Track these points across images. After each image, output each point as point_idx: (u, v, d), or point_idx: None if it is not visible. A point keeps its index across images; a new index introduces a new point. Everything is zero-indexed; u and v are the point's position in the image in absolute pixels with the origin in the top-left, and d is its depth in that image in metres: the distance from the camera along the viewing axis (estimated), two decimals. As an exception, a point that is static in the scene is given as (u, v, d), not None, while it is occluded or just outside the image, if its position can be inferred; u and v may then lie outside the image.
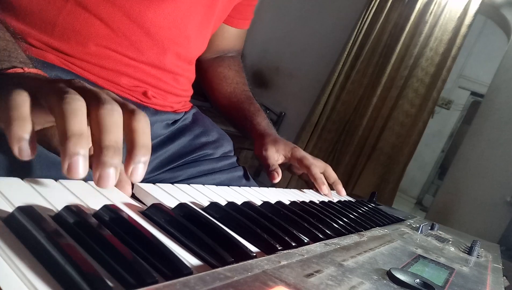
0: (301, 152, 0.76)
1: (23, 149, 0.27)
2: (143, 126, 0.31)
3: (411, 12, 2.74)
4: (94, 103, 0.29)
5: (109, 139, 0.28)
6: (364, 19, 2.87)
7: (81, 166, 0.27)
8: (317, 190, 0.77)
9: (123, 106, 0.31)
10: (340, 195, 0.80)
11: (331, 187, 0.80)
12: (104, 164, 0.28)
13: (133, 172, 0.30)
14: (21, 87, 0.30)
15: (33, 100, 0.29)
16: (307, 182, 0.80)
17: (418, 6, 2.73)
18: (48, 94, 0.29)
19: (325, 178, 0.79)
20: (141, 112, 0.32)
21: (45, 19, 0.51)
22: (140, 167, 0.30)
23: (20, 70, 0.37)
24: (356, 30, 2.88)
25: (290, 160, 0.76)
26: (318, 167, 0.78)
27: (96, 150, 0.28)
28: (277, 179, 0.71)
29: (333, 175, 0.79)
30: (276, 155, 0.76)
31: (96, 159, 0.28)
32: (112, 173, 0.28)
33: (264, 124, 0.81)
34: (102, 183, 0.28)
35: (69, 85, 0.31)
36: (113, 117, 0.29)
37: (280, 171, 0.73)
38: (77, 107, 0.28)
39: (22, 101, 0.28)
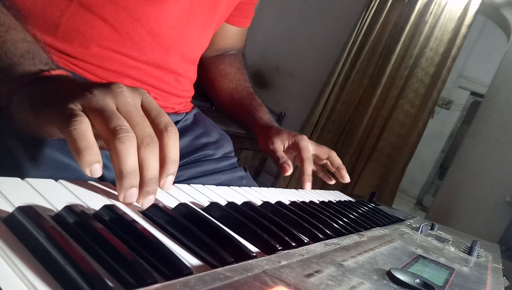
0: (303, 142, 0.75)
1: (94, 171, 0.31)
2: (174, 142, 0.37)
3: (411, 12, 2.74)
4: (139, 139, 0.34)
5: (151, 174, 0.34)
6: (364, 19, 2.87)
7: (135, 195, 0.34)
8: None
9: (159, 122, 0.36)
10: (343, 181, 0.78)
11: (332, 175, 0.80)
12: (147, 193, 0.34)
13: (164, 184, 0.37)
14: (75, 107, 0.33)
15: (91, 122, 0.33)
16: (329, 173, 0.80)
17: (418, 6, 2.73)
18: (103, 125, 0.33)
19: (330, 164, 0.78)
20: (173, 128, 0.37)
21: (49, 20, 0.51)
22: (170, 179, 0.37)
23: (47, 74, 0.38)
24: (356, 30, 2.88)
25: (293, 148, 0.76)
26: (321, 153, 0.77)
27: (141, 182, 0.34)
28: (289, 171, 0.70)
29: (337, 161, 0.78)
30: (282, 146, 0.75)
31: (141, 189, 0.34)
32: (152, 198, 0.35)
33: (266, 119, 0.81)
34: (145, 205, 0.35)
35: (116, 103, 0.35)
36: (153, 155, 0.35)
37: (290, 163, 0.72)
38: (131, 145, 0.33)
39: (86, 129, 0.32)
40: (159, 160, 0.35)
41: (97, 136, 0.33)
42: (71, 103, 0.33)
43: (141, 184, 0.34)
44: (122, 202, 0.34)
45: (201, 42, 0.67)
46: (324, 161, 0.79)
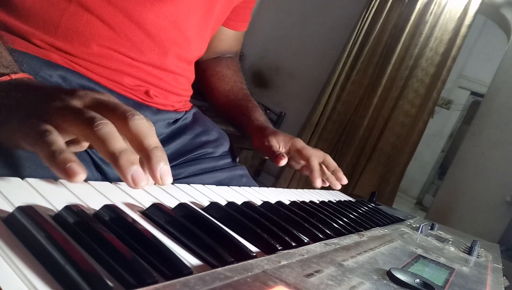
0: (301, 143, 0.76)
1: (70, 168, 0.28)
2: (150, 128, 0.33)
3: (411, 12, 2.74)
4: (121, 118, 0.32)
5: (152, 141, 0.32)
6: (364, 19, 2.87)
7: (141, 173, 0.30)
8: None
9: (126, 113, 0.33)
10: (341, 183, 0.79)
11: (327, 178, 0.80)
12: (158, 161, 0.32)
13: (162, 176, 0.32)
14: (40, 118, 0.31)
15: (58, 128, 0.31)
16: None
17: (418, 6, 2.73)
18: (75, 123, 0.31)
19: (325, 167, 0.78)
20: (142, 116, 0.34)
21: (48, 20, 0.51)
22: (166, 169, 0.33)
23: (7, 78, 0.36)
24: (356, 30, 2.88)
25: (290, 151, 0.76)
26: (317, 156, 0.77)
27: (145, 156, 0.32)
28: (284, 161, 0.71)
29: (332, 164, 0.79)
30: (277, 145, 0.76)
31: (149, 162, 0.32)
32: (167, 168, 0.32)
33: (262, 120, 0.82)
34: (164, 179, 0.32)
35: (83, 103, 0.33)
36: (145, 123, 0.33)
37: (285, 155, 0.72)
38: (110, 129, 0.31)
39: (55, 137, 0.29)
40: (139, 152, 0.33)
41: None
42: (37, 116, 0.32)
43: (148, 158, 0.32)
44: (135, 188, 0.30)
45: (198, 44, 0.67)
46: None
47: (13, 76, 0.37)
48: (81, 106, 0.33)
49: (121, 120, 0.32)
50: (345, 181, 0.79)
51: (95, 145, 0.31)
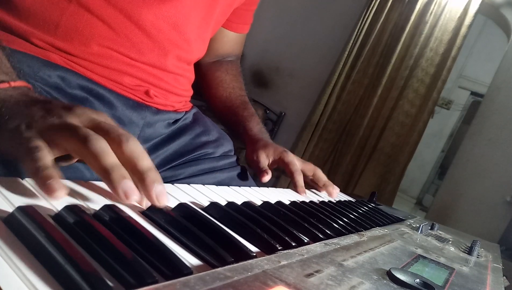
0: (289, 157, 0.75)
1: (50, 185, 0.28)
2: (142, 150, 0.34)
3: (411, 12, 2.74)
4: (116, 140, 0.33)
5: (146, 163, 0.33)
6: (364, 19, 2.87)
7: (132, 187, 0.31)
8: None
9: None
10: (332, 197, 0.79)
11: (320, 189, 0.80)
12: (152, 182, 0.32)
13: (158, 196, 0.33)
14: (34, 131, 0.31)
15: (50, 143, 0.31)
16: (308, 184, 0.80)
17: (418, 6, 2.73)
18: (69, 139, 0.31)
19: (316, 181, 0.79)
20: (134, 138, 0.34)
21: (48, 20, 0.51)
22: (161, 189, 0.33)
23: (6, 85, 0.36)
24: (356, 30, 2.88)
25: (278, 164, 0.76)
26: (307, 170, 0.77)
27: (140, 178, 0.33)
28: (267, 178, 0.71)
29: (322, 178, 0.79)
30: (266, 161, 0.76)
31: (143, 183, 0.32)
32: (162, 188, 0.33)
33: (256, 130, 0.81)
34: (160, 199, 0.33)
35: (79, 121, 0.34)
36: (139, 146, 0.33)
37: (269, 171, 0.72)
38: (102, 145, 0.31)
39: (43, 154, 0.30)
40: (133, 175, 0.33)
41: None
42: (30, 129, 0.32)
43: (142, 180, 0.32)
44: (127, 202, 0.31)
45: (198, 45, 0.67)
46: (310, 178, 0.79)
47: (12, 84, 0.37)
48: (77, 124, 0.33)
49: (115, 142, 0.33)
50: (335, 195, 0.79)
51: (87, 160, 0.31)
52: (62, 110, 0.34)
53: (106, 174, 0.30)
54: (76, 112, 0.34)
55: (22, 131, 0.32)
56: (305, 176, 0.77)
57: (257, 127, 0.82)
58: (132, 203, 0.32)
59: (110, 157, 0.31)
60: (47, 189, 0.28)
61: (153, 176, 0.33)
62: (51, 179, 0.28)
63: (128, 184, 0.30)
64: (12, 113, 0.33)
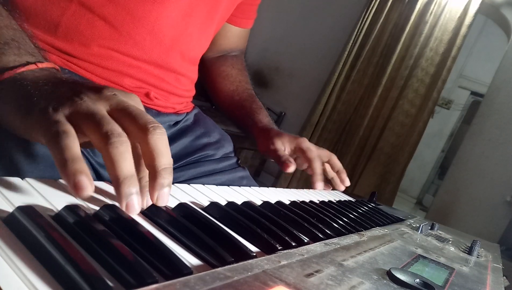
0: (306, 143, 0.75)
1: (80, 181, 0.28)
2: (166, 145, 0.34)
3: (411, 12, 2.74)
4: (141, 130, 0.33)
5: (165, 161, 0.33)
6: (364, 19, 2.87)
7: (136, 203, 0.31)
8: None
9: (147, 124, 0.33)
10: (344, 184, 0.79)
11: (331, 178, 0.80)
12: (162, 185, 0.33)
13: (159, 198, 0.33)
14: (62, 118, 0.31)
15: (76, 129, 0.31)
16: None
17: (418, 6, 2.73)
18: (94, 131, 0.31)
19: (330, 167, 0.78)
20: (163, 130, 0.34)
21: (49, 20, 0.51)
22: (166, 192, 0.34)
23: (33, 67, 0.36)
24: (356, 30, 2.88)
25: (296, 152, 0.76)
26: (322, 156, 0.77)
27: (153, 173, 0.33)
28: (291, 168, 0.70)
29: (337, 164, 0.79)
30: (283, 148, 0.75)
31: (153, 181, 0.33)
32: (167, 191, 0.33)
33: (266, 121, 0.81)
34: (160, 201, 0.33)
35: (108, 106, 0.33)
36: (164, 141, 0.33)
37: (292, 160, 0.71)
38: (122, 150, 0.31)
39: (70, 143, 0.29)
40: (148, 169, 0.33)
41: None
42: (58, 112, 0.32)
43: (154, 178, 0.33)
44: (127, 213, 0.31)
45: (201, 42, 0.67)
46: (324, 165, 0.79)
47: (40, 65, 0.37)
48: (105, 110, 0.33)
49: (142, 131, 0.33)
50: (347, 183, 0.79)
51: (105, 161, 0.31)
52: (90, 92, 0.34)
53: (117, 183, 0.30)
54: (105, 95, 0.34)
55: (50, 113, 0.31)
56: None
57: (266, 119, 0.82)
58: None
59: (125, 166, 0.30)
60: (75, 187, 0.27)
61: (165, 177, 0.33)
62: (79, 175, 0.28)
63: (132, 201, 0.31)
64: (39, 95, 0.33)
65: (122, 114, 0.33)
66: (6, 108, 0.34)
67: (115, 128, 0.31)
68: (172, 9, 0.57)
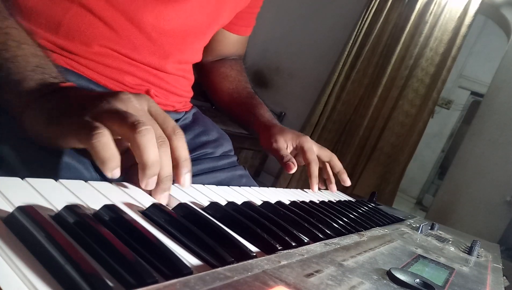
0: (308, 143, 0.75)
1: (115, 175, 0.34)
2: (183, 143, 0.40)
3: (411, 12, 2.74)
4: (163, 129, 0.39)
5: (166, 172, 0.38)
6: (364, 19, 2.87)
7: (155, 182, 0.36)
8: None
9: (167, 126, 0.40)
10: (344, 185, 0.79)
11: (336, 177, 0.80)
12: (164, 190, 0.38)
13: (184, 182, 0.41)
14: (92, 119, 0.35)
15: (108, 128, 0.35)
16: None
17: (418, 6, 2.73)
18: (121, 124, 0.35)
19: (331, 168, 0.78)
20: (180, 131, 0.40)
21: (51, 19, 0.51)
22: (188, 177, 0.41)
23: (58, 87, 0.40)
24: (356, 30, 2.88)
25: (297, 150, 0.76)
26: (323, 156, 0.77)
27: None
28: (293, 169, 0.70)
29: (338, 165, 0.79)
30: (285, 145, 0.75)
31: (157, 186, 0.38)
32: (167, 194, 0.39)
33: (267, 116, 0.81)
34: (162, 201, 0.38)
35: (126, 107, 0.37)
36: (167, 155, 0.38)
37: (295, 161, 0.71)
38: (149, 138, 0.35)
39: (108, 140, 0.33)
40: (171, 161, 0.38)
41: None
42: (87, 115, 0.35)
43: (177, 166, 0.39)
44: (146, 188, 0.37)
45: (199, 48, 0.68)
46: (325, 164, 0.79)
47: (62, 85, 0.41)
48: (126, 110, 0.37)
49: (166, 134, 0.38)
50: (348, 183, 0.79)
51: (133, 148, 0.35)
52: (110, 98, 0.38)
53: (144, 167, 0.35)
54: (122, 98, 0.38)
55: (80, 119, 0.35)
56: (320, 162, 0.77)
57: (267, 113, 0.82)
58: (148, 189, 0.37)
59: (152, 152, 0.35)
60: (113, 177, 0.33)
61: (187, 165, 0.40)
62: (116, 170, 0.33)
63: (153, 181, 0.36)
64: (67, 108, 0.37)
65: (146, 114, 0.38)
66: (36, 123, 0.38)
67: (140, 119, 0.35)
68: (170, 18, 0.58)
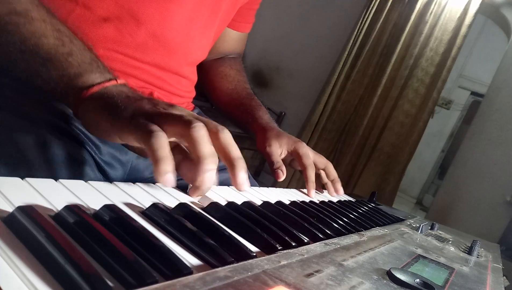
0: (303, 149, 0.75)
1: (167, 180, 0.34)
2: (232, 140, 0.41)
3: (411, 12, 2.74)
4: (211, 131, 0.39)
5: (237, 152, 0.40)
6: (364, 19, 2.87)
7: (212, 179, 0.38)
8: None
9: (212, 126, 0.40)
10: (338, 194, 0.79)
11: (325, 183, 0.80)
12: (240, 169, 0.40)
13: (243, 184, 0.41)
14: (149, 118, 0.37)
15: (164, 130, 0.37)
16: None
17: (418, 6, 2.73)
18: (175, 124, 0.37)
19: (326, 175, 0.78)
20: (225, 129, 0.41)
21: None
22: (246, 177, 0.41)
23: (114, 82, 0.42)
24: (356, 30, 2.88)
25: (292, 155, 0.76)
26: (318, 163, 0.77)
27: (230, 163, 0.40)
28: (282, 177, 0.70)
29: (333, 173, 0.79)
30: (279, 151, 0.75)
31: (234, 169, 0.40)
32: (245, 175, 0.40)
33: (266, 118, 0.81)
34: (244, 186, 0.40)
35: (181, 111, 0.39)
36: (230, 137, 0.40)
37: (284, 169, 0.71)
38: (204, 133, 0.37)
39: (164, 142, 0.35)
40: (225, 162, 0.40)
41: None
42: (146, 116, 0.37)
43: (233, 166, 0.39)
44: (198, 185, 0.37)
45: (202, 45, 0.67)
46: (320, 171, 0.79)
47: (118, 81, 0.43)
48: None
49: (213, 132, 0.39)
50: (341, 193, 0.79)
51: (189, 143, 0.37)
52: (165, 104, 0.40)
53: (200, 159, 0.36)
54: (177, 107, 0.40)
55: (138, 118, 0.37)
56: (315, 168, 0.77)
57: (266, 116, 0.82)
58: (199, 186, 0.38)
59: (207, 145, 0.37)
60: (164, 181, 0.34)
61: (241, 164, 0.40)
62: (168, 175, 0.34)
63: (210, 176, 0.37)
64: (126, 104, 0.39)
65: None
66: (96, 115, 0.40)
67: (192, 118, 0.37)
68: (174, 13, 0.58)
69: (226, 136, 0.40)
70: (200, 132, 0.36)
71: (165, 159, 0.34)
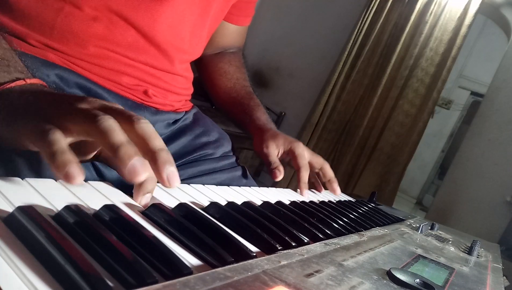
0: (299, 149, 0.75)
1: (71, 175, 0.28)
2: (155, 131, 0.34)
3: (411, 12, 2.74)
4: (124, 122, 0.33)
5: (158, 143, 0.33)
6: (364, 19, 2.87)
7: (142, 164, 0.30)
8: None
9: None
10: (334, 194, 0.79)
11: (325, 186, 0.80)
12: (164, 163, 0.32)
13: (170, 179, 0.32)
14: (45, 118, 0.32)
15: (62, 129, 0.32)
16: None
17: (418, 6, 2.73)
18: (78, 120, 0.32)
19: (322, 175, 0.79)
20: (146, 120, 0.34)
21: (43, 22, 0.51)
22: (173, 171, 0.33)
23: (22, 82, 0.38)
24: (356, 30, 2.88)
25: (288, 155, 0.76)
26: (315, 163, 0.77)
27: (153, 159, 0.32)
28: (279, 177, 0.71)
29: (329, 173, 0.79)
30: (276, 151, 0.75)
31: (155, 164, 0.32)
32: (174, 170, 0.33)
33: (264, 119, 0.81)
34: (172, 182, 0.32)
35: (87, 104, 0.34)
36: (150, 126, 0.34)
37: (282, 168, 0.72)
38: (112, 123, 0.31)
39: (58, 138, 0.30)
40: (145, 156, 0.33)
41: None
42: (43, 117, 0.33)
43: (154, 160, 0.32)
44: (136, 180, 0.30)
45: (193, 44, 0.67)
46: (316, 171, 0.79)
47: (28, 81, 0.38)
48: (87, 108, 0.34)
49: (127, 123, 0.33)
50: (338, 193, 0.79)
51: (97, 138, 0.31)
52: (73, 100, 0.35)
53: (114, 151, 0.30)
54: (87, 100, 0.35)
55: (37, 119, 0.33)
56: (312, 169, 0.77)
57: (264, 116, 0.82)
58: (139, 182, 0.32)
59: (118, 134, 0.31)
60: (66, 176, 0.28)
61: (165, 156, 0.32)
62: (70, 164, 0.28)
63: (137, 161, 0.30)
64: (24, 104, 0.35)
65: (106, 112, 0.34)
66: None
67: (98, 112, 0.32)
68: (164, 15, 0.57)
69: (143, 126, 0.33)
70: (106, 122, 0.31)
71: (61, 152, 0.29)
